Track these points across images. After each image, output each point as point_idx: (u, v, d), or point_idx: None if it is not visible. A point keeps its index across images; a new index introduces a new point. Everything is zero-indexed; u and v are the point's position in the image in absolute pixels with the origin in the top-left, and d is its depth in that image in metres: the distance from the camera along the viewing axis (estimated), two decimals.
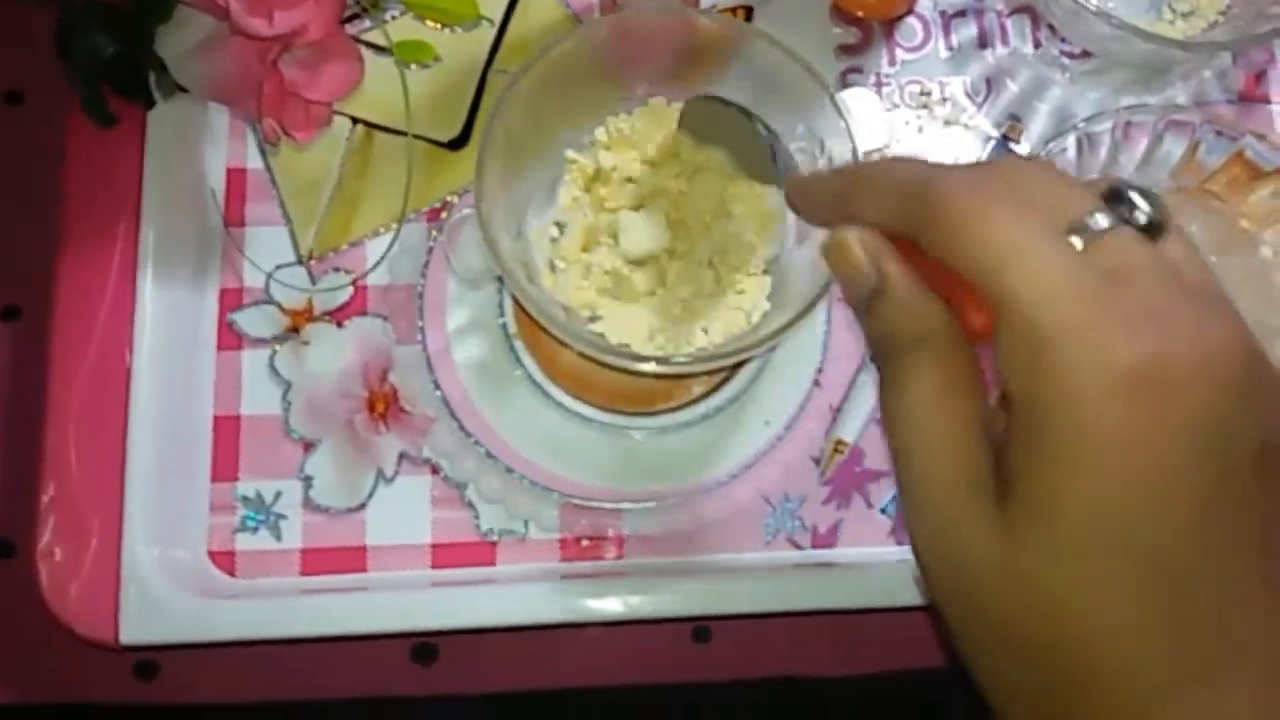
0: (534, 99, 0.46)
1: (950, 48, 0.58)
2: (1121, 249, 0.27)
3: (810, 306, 0.43)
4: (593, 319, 0.48)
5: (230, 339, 0.52)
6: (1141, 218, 0.27)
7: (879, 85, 0.57)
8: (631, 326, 0.48)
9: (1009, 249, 0.26)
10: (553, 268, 0.49)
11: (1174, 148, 0.52)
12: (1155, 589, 0.25)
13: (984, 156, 0.56)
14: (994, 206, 0.27)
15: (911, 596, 0.48)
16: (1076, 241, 0.27)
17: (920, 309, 0.29)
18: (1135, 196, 0.27)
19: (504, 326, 0.51)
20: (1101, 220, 0.27)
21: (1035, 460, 0.26)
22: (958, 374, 0.28)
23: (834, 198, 0.32)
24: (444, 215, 0.53)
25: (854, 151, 0.45)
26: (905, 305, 0.29)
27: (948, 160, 0.56)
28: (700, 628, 0.51)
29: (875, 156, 0.50)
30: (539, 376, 0.51)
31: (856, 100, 0.51)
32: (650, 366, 0.45)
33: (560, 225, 0.50)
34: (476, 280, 0.51)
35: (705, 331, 0.48)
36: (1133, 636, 0.25)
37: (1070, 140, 0.50)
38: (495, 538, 0.50)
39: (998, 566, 0.27)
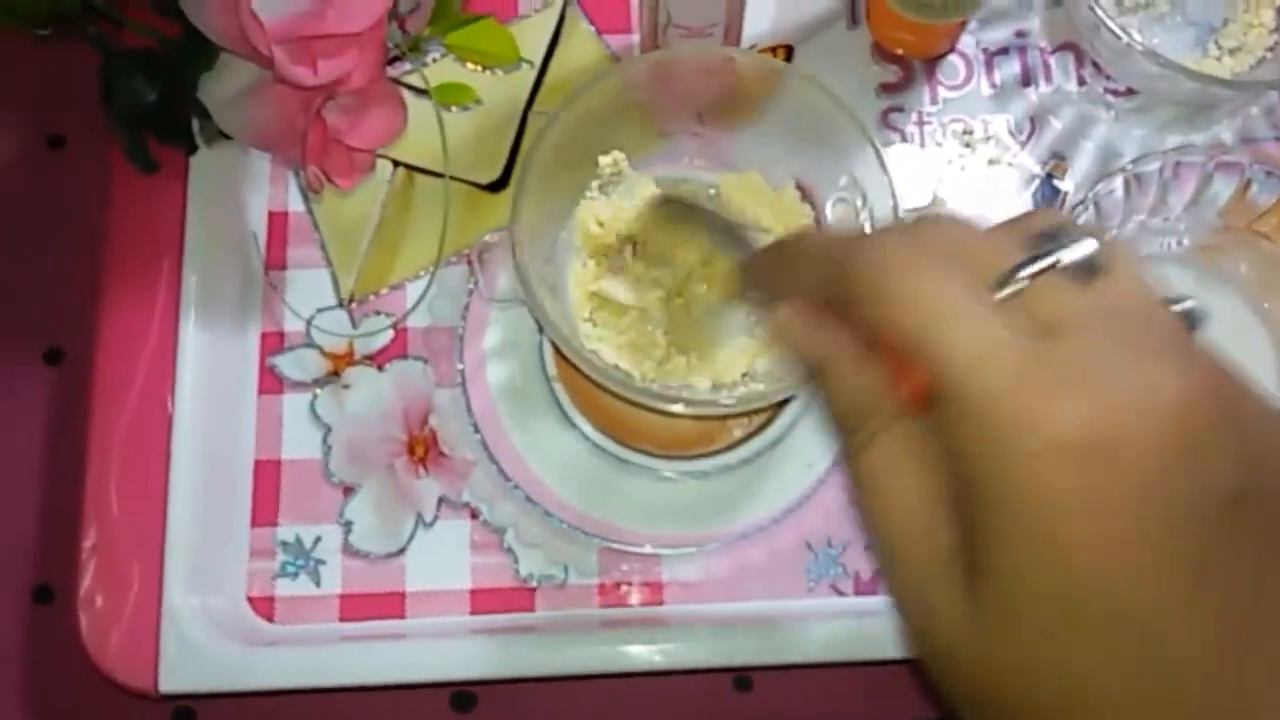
0: (573, 134, 0.47)
1: (993, 85, 0.57)
2: (1052, 298, 0.25)
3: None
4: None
5: (271, 383, 0.52)
6: (1071, 257, 0.26)
7: (920, 124, 0.56)
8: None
9: (930, 316, 0.25)
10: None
11: (1223, 188, 0.51)
12: (1133, 660, 0.24)
13: (1029, 195, 0.55)
14: (911, 272, 0.25)
15: None
16: (1003, 294, 0.25)
17: (860, 386, 0.27)
18: (1066, 239, 0.26)
19: (544, 369, 0.51)
20: (1029, 269, 0.25)
21: (989, 536, 0.24)
22: (909, 450, 0.26)
23: (771, 273, 0.31)
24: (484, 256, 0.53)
25: (895, 208, 0.44)
26: (845, 384, 0.28)
27: (992, 200, 0.55)
28: (742, 677, 0.51)
29: (919, 214, 0.49)
30: (579, 420, 0.51)
31: (900, 155, 0.51)
32: (679, 408, 0.44)
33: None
34: (505, 302, 0.51)
35: (742, 375, 0.48)
36: (1119, 713, 0.24)
37: (1118, 181, 0.49)
38: (534, 583, 0.50)
39: (975, 652, 0.25)
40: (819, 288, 0.28)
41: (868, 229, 0.46)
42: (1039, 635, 0.24)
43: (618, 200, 0.50)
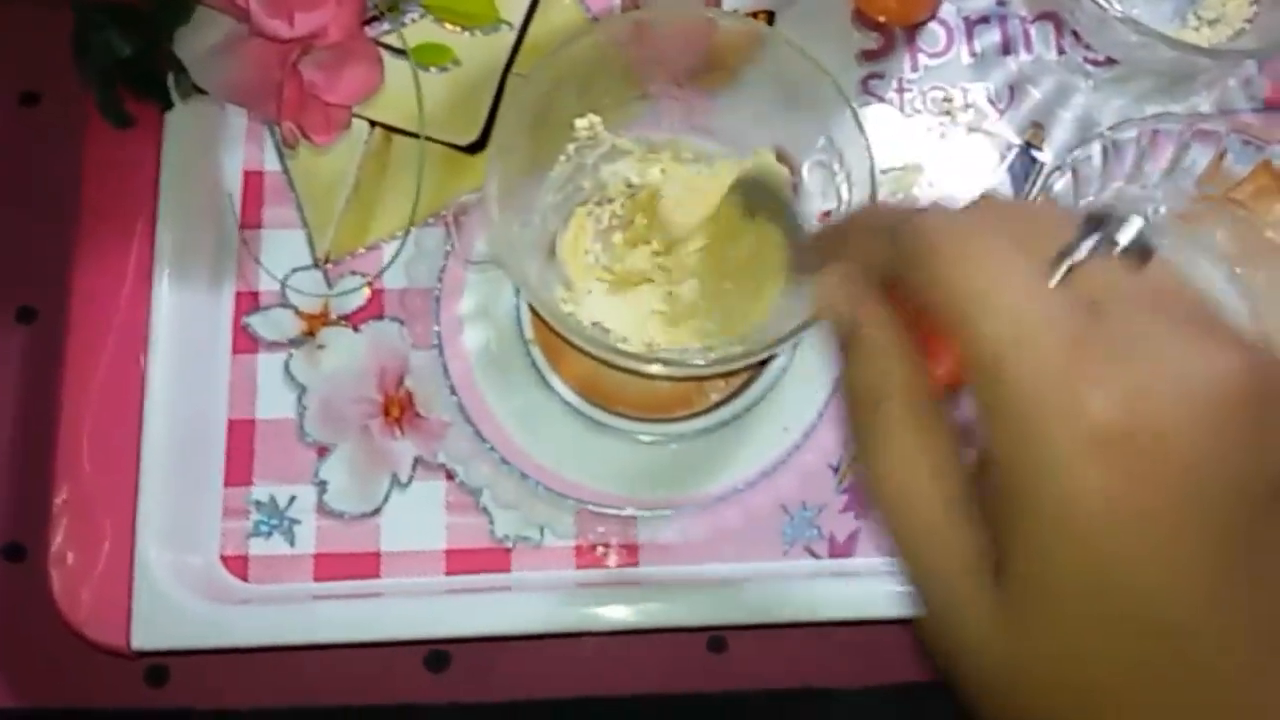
0: (550, 94, 0.46)
1: (973, 54, 0.57)
2: (1102, 276, 0.25)
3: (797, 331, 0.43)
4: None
5: (245, 342, 0.52)
6: (1123, 240, 0.25)
7: (901, 91, 0.56)
8: (636, 325, 0.48)
9: (983, 288, 0.24)
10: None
11: (1200, 156, 0.51)
12: (1166, 665, 0.23)
13: (1006, 163, 0.55)
14: (971, 244, 0.25)
15: None
16: (1058, 273, 0.25)
17: (889, 362, 0.27)
18: (1117, 220, 0.25)
19: (520, 332, 0.51)
20: (1082, 248, 0.25)
21: (1021, 533, 0.23)
22: (928, 445, 0.26)
23: (830, 247, 0.31)
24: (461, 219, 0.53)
25: (872, 168, 0.44)
26: (876, 356, 0.27)
27: (971, 168, 0.55)
28: (716, 637, 0.51)
29: (894, 173, 0.49)
30: (555, 382, 0.51)
31: (879, 116, 0.51)
32: (656, 368, 0.44)
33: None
34: (482, 265, 0.51)
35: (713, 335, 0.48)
36: (1150, 716, 0.23)
37: (1095, 148, 0.49)
38: (510, 544, 0.50)
39: (1002, 654, 0.24)
40: (872, 255, 0.28)
41: (844, 191, 0.46)
42: (1069, 639, 0.23)
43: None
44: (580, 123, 0.49)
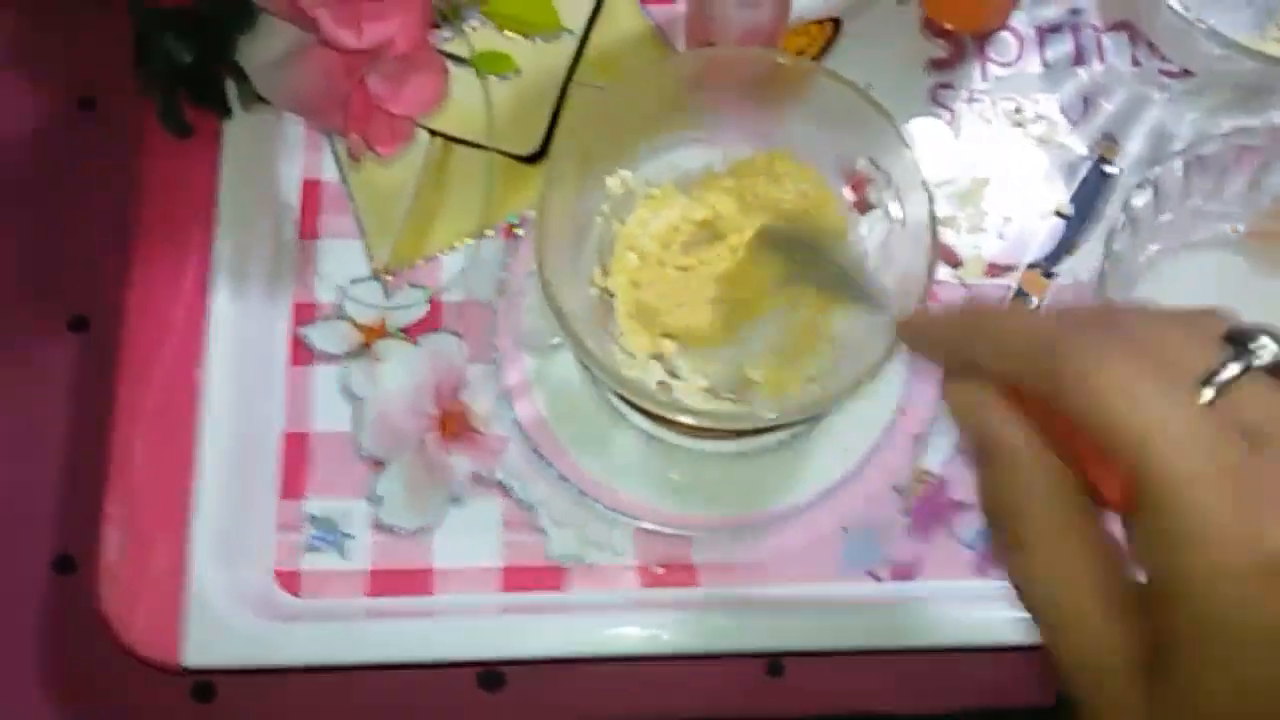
0: (611, 120, 0.46)
1: (1045, 64, 0.56)
2: (1254, 400, 0.26)
3: (873, 371, 0.42)
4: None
5: (302, 354, 0.51)
6: (1267, 357, 0.26)
7: (970, 101, 0.55)
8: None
9: (1146, 422, 0.25)
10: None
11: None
12: None
13: (1078, 177, 0.54)
14: (1126, 374, 0.26)
15: (990, 636, 0.46)
16: (1208, 394, 0.25)
17: (1035, 480, 0.28)
18: (1259, 337, 0.26)
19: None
20: (1232, 369, 0.26)
21: (1180, 650, 0.25)
22: (1085, 545, 0.27)
23: (953, 341, 0.32)
24: (517, 232, 0.52)
25: (924, 183, 0.44)
26: (1020, 475, 0.28)
27: (1039, 180, 0.54)
28: (774, 662, 0.50)
29: (962, 186, 0.48)
30: (613, 399, 0.50)
31: (946, 127, 0.50)
32: (689, 419, 0.43)
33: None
34: (542, 346, 0.51)
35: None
36: None
37: (1178, 164, 0.48)
38: (566, 563, 0.49)
39: None
40: (1013, 371, 0.28)
41: (895, 208, 0.45)
42: None
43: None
44: (611, 180, 0.48)
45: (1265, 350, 0.26)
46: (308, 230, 0.52)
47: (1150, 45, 0.56)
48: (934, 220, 0.43)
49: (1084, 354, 0.26)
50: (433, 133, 0.53)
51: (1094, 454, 0.27)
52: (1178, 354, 0.26)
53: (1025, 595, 0.28)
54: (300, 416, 0.50)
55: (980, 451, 0.29)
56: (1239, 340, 0.26)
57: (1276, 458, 0.25)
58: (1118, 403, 0.25)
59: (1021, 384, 0.28)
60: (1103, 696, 0.27)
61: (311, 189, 0.53)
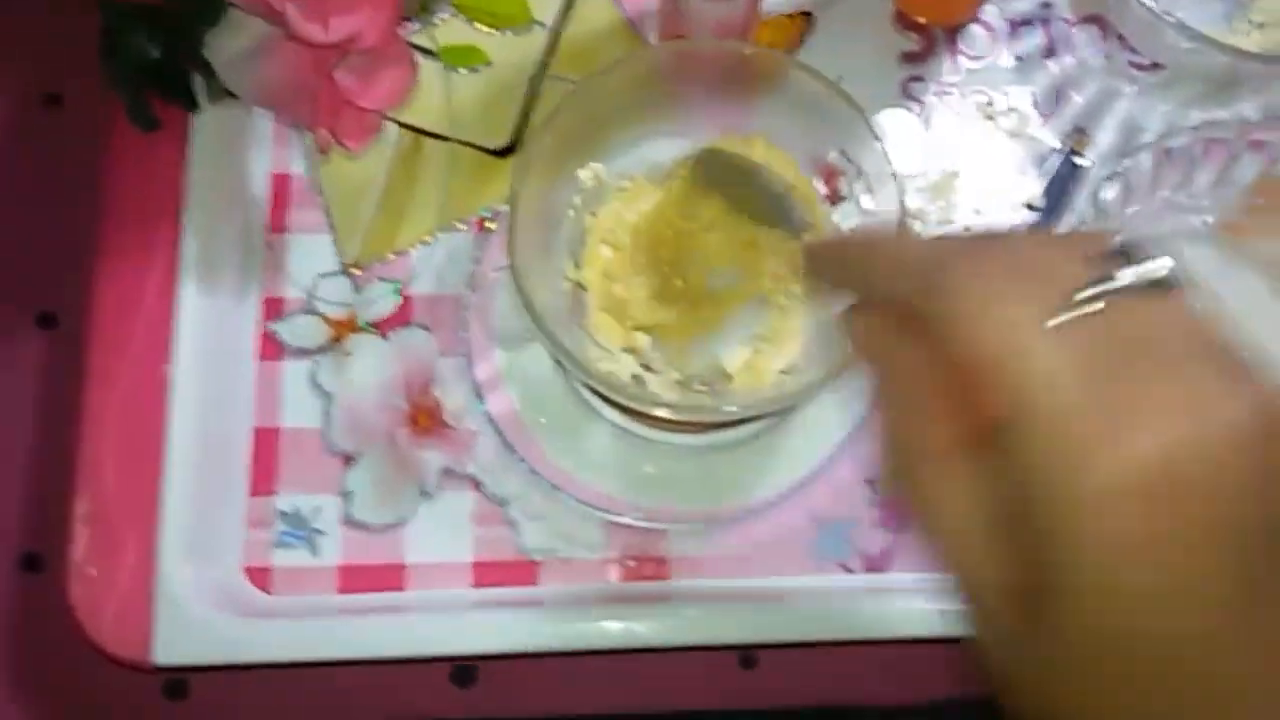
0: (583, 112, 0.45)
1: (1016, 57, 0.56)
2: (1130, 314, 0.25)
3: (846, 364, 0.42)
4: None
5: (272, 349, 0.51)
6: (1139, 278, 0.25)
7: (941, 94, 0.55)
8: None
9: (1005, 337, 0.25)
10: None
11: (1250, 166, 0.50)
12: (1187, 704, 0.24)
13: (1048, 169, 0.54)
14: (993, 296, 0.25)
15: (962, 626, 0.46)
16: (1067, 317, 0.25)
17: (921, 406, 0.27)
18: (1144, 252, 0.25)
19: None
20: (1095, 289, 0.25)
21: (1047, 572, 0.24)
22: (962, 472, 0.26)
23: (850, 265, 0.32)
24: (489, 226, 0.52)
25: (895, 175, 0.44)
26: (909, 401, 0.28)
27: (1012, 173, 0.54)
28: (747, 655, 0.50)
29: (933, 179, 0.48)
30: (585, 392, 0.50)
31: (917, 120, 0.50)
32: (664, 412, 0.43)
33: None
34: (515, 341, 0.50)
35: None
36: None
37: (1147, 156, 0.48)
38: (538, 557, 0.49)
39: (1032, 674, 0.25)
40: (900, 296, 0.28)
41: (866, 200, 0.45)
42: (1093, 672, 0.24)
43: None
44: (583, 173, 0.48)
45: (1139, 271, 0.25)
46: (277, 225, 0.52)
47: (1121, 38, 0.56)
48: (905, 212, 0.43)
49: (956, 286, 0.26)
50: (403, 126, 0.53)
51: (969, 385, 0.27)
52: (1056, 274, 0.25)
53: (921, 522, 0.27)
54: (270, 412, 0.50)
55: (877, 376, 0.29)
56: (1121, 256, 0.25)
57: (1129, 372, 0.24)
58: (982, 328, 0.25)
59: (911, 305, 0.28)
60: (982, 616, 0.26)
61: (280, 183, 0.52)
